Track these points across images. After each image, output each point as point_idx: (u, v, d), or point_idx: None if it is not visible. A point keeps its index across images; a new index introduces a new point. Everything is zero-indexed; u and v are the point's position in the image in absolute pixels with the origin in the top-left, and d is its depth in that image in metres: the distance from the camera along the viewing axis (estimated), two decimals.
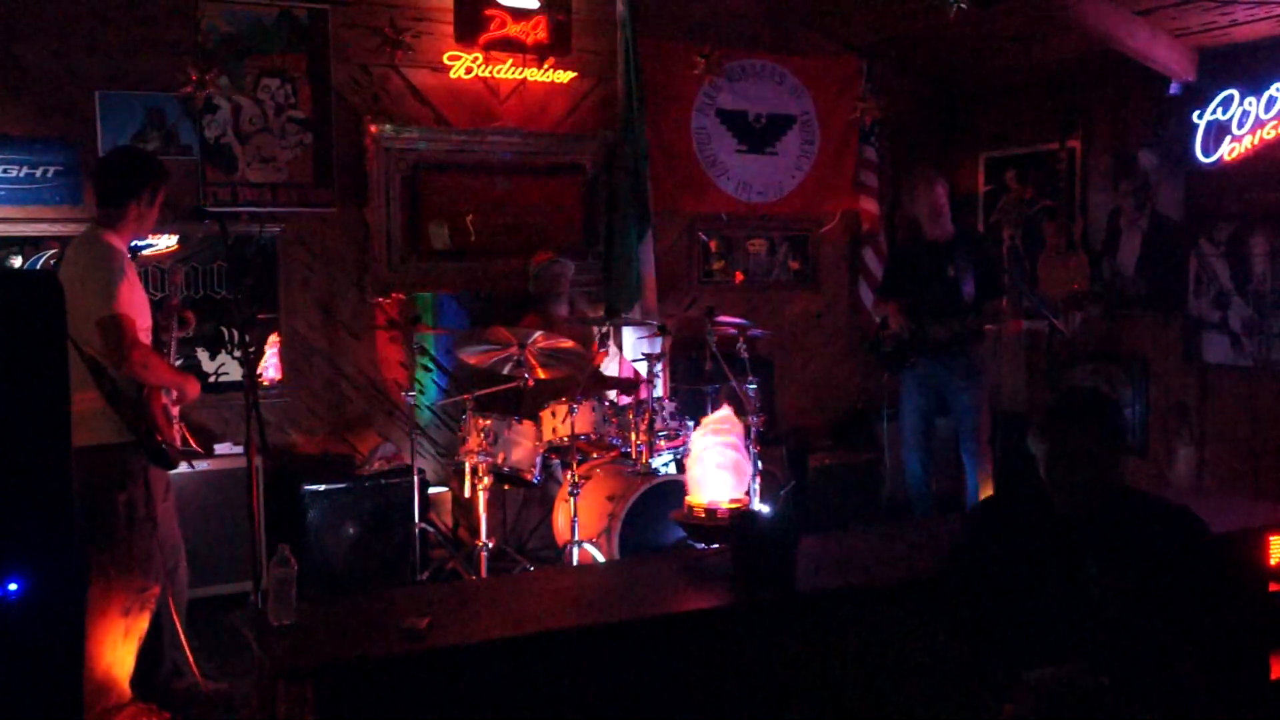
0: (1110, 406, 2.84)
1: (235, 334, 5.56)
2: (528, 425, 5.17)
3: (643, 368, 5.41)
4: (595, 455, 5.31)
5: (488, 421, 5.08)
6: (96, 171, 4.13)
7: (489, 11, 6.00)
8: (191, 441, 4.18)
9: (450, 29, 5.96)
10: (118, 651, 3.84)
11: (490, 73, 6.07)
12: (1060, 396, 2.91)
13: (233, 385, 5.46)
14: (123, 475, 3.78)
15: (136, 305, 3.81)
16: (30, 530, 2.50)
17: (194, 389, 4.03)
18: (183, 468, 4.07)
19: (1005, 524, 2.87)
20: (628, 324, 6.07)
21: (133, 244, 4.33)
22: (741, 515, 3.57)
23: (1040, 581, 2.72)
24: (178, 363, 4.29)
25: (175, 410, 3.98)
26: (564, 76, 6.24)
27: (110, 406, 3.73)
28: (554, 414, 5.11)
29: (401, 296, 5.96)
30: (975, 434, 5.67)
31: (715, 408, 4.38)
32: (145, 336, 3.89)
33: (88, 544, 3.71)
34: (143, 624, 3.88)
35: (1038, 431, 2.79)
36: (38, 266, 5.18)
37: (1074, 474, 2.72)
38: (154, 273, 5.42)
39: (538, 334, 5.15)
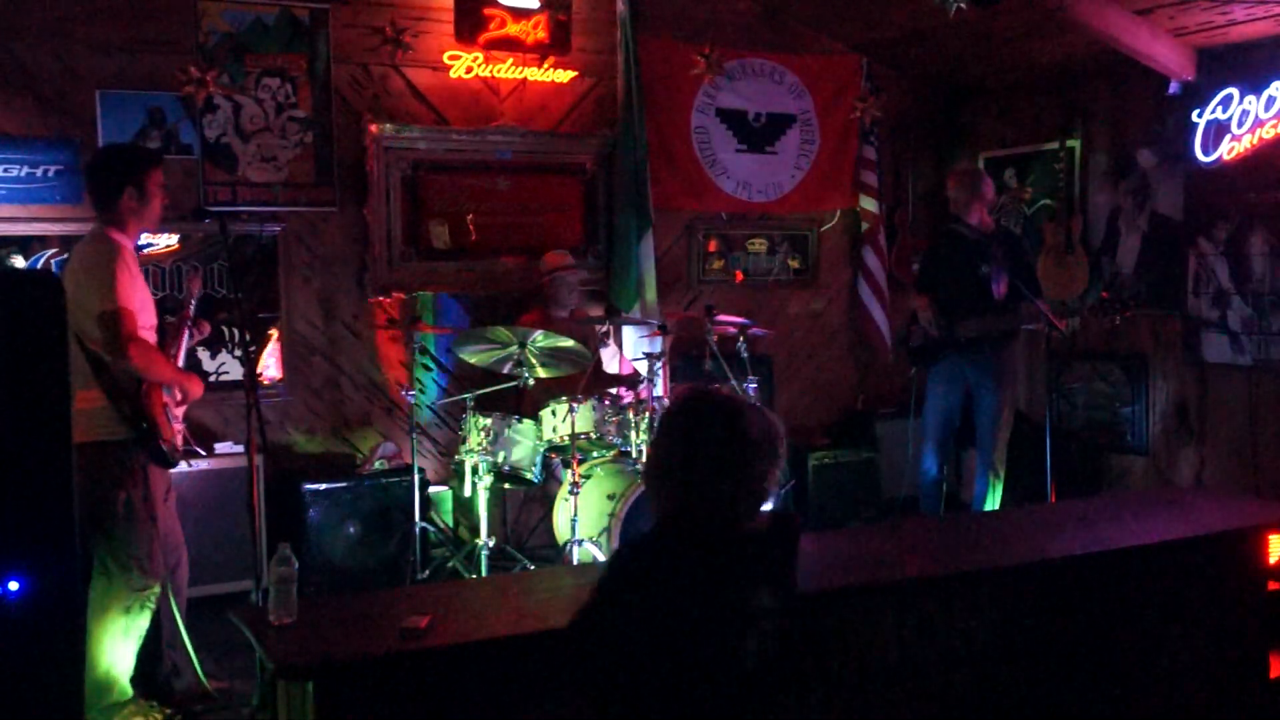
0: (734, 411, 2.37)
1: (235, 333, 5.56)
2: (528, 424, 5.18)
3: (643, 367, 5.41)
4: (595, 454, 5.31)
5: (488, 420, 5.09)
6: (85, 178, 4.13)
7: (489, 11, 6.00)
8: (192, 441, 4.18)
9: (450, 28, 5.97)
10: (118, 649, 3.84)
11: (490, 72, 6.07)
12: (682, 403, 2.46)
13: (233, 384, 5.48)
14: (123, 473, 3.79)
15: (138, 301, 3.81)
16: (31, 529, 2.50)
17: (197, 388, 4.03)
18: (182, 466, 4.08)
19: (664, 559, 2.36)
20: (628, 323, 6.07)
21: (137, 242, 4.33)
22: None
23: (703, 625, 2.27)
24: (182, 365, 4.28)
25: (178, 410, 3.98)
26: (564, 76, 6.24)
27: (111, 404, 3.74)
28: (554, 413, 5.12)
29: (402, 296, 5.97)
30: (994, 436, 5.61)
31: None
32: (149, 334, 3.89)
33: (87, 542, 3.72)
34: (143, 622, 3.89)
35: (672, 447, 2.38)
36: (39, 266, 5.18)
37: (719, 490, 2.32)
38: (155, 272, 5.42)
39: (538, 333, 5.16)
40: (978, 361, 5.58)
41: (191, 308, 4.28)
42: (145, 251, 5.39)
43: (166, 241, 5.49)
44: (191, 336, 4.25)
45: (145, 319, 3.86)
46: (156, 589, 3.89)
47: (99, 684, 3.78)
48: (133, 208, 3.92)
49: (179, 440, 3.96)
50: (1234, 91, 5.65)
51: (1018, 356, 5.95)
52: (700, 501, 2.33)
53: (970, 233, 5.61)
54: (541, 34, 6.12)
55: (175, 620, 4.03)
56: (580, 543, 4.90)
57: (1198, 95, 5.82)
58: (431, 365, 6.11)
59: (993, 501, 5.66)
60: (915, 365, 5.91)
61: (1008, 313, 5.53)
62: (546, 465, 5.33)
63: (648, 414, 5.09)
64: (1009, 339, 5.66)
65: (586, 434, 5.10)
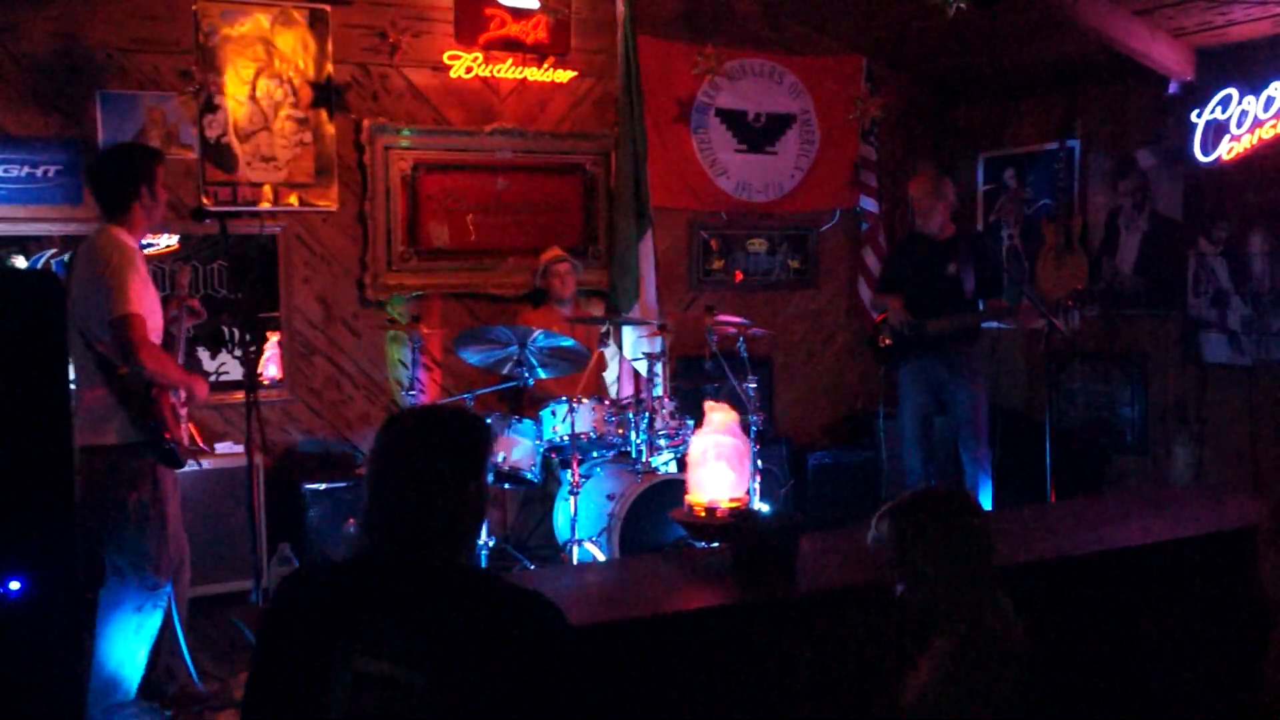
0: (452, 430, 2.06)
1: (236, 333, 5.57)
2: (528, 424, 5.18)
3: (643, 367, 5.41)
4: (595, 454, 5.31)
5: (488, 421, 5.08)
6: (91, 182, 4.03)
7: (489, 11, 6.00)
8: (199, 440, 4.17)
9: (450, 29, 5.97)
10: (130, 649, 3.84)
11: (490, 72, 6.07)
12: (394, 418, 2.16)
13: (233, 384, 5.48)
14: (133, 474, 3.78)
15: (149, 304, 3.80)
16: (32, 530, 2.51)
17: (203, 390, 4.03)
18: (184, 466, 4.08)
19: (314, 591, 2.07)
20: (628, 323, 6.08)
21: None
22: (741, 514, 3.58)
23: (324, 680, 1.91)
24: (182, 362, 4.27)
25: (184, 410, 3.98)
26: (564, 76, 6.24)
27: (120, 405, 3.73)
28: (554, 413, 5.12)
29: (402, 295, 5.97)
30: (974, 433, 5.67)
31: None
32: (156, 336, 3.88)
33: (101, 543, 3.72)
34: (155, 621, 3.88)
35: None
36: (39, 266, 5.18)
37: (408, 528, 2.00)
38: (155, 272, 5.42)
39: (538, 333, 5.16)
40: (947, 359, 5.66)
41: (186, 287, 4.24)
42: (145, 252, 5.38)
43: (166, 241, 5.49)
44: (196, 314, 4.22)
45: (153, 321, 3.85)
46: (168, 587, 3.89)
47: (105, 683, 3.78)
48: (147, 207, 3.90)
49: (186, 439, 3.96)
50: (1233, 92, 5.65)
51: (985, 351, 6.05)
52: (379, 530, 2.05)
53: (936, 234, 5.72)
54: (541, 34, 6.13)
55: (176, 624, 4.02)
56: (580, 543, 4.90)
57: (1197, 95, 5.82)
58: (432, 365, 6.11)
59: (984, 497, 5.67)
60: (883, 365, 6.00)
61: (975, 311, 5.64)
62: (546, 465, 5.33)
63: (648, 414, 5.09)
64: (975, 336, 5.77)
65: (586, 434, 5.10)
